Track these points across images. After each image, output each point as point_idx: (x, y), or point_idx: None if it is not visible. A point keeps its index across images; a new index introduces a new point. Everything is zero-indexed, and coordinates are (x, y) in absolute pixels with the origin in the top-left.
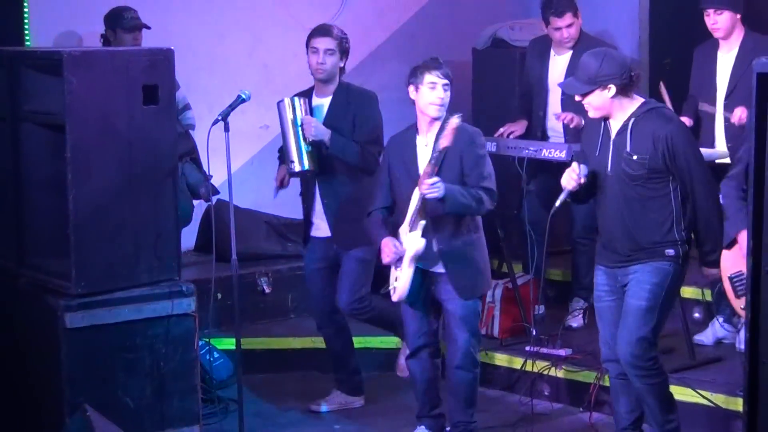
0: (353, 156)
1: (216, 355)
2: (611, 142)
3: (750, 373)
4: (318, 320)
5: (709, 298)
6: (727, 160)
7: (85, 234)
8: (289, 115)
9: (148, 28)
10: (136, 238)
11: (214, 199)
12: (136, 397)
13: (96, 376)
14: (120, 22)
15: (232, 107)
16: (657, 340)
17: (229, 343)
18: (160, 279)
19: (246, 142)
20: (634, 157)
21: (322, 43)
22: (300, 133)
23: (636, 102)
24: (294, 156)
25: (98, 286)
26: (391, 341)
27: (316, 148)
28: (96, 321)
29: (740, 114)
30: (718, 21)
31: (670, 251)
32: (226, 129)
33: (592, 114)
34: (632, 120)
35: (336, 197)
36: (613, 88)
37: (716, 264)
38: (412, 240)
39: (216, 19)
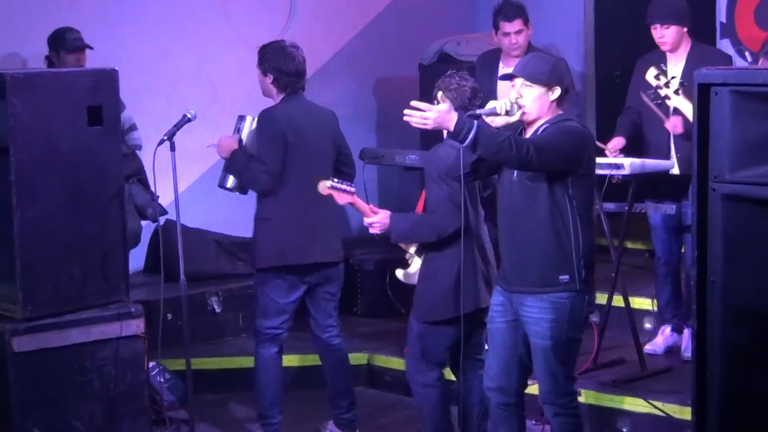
0: (238, 173)
1: (167, 376)
2: None
3: (697, 382)
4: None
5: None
6: (677, 171)
7: (31, 257)
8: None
9: (91, 48)
10: (84, 260)
11: (162, 219)
12: (86, 420)
13: (45, 400)
14: (63, 44)
15: (178, 127)
16: (573, 372)
17: (179, 364)
18: (109, 301)
19: (193, 161)
20: None
21: None
22: None
23: (558, 113)
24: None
25: (46, 310)
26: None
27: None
28: (44, 345)
29: (674, 122)
30: (665, 35)
31: (565, 277)
32: (172, 149)
33: (527, 116)
34: (545, 126)
35: (316, 217)
36: (557, 92)
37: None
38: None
39: (161, 38)
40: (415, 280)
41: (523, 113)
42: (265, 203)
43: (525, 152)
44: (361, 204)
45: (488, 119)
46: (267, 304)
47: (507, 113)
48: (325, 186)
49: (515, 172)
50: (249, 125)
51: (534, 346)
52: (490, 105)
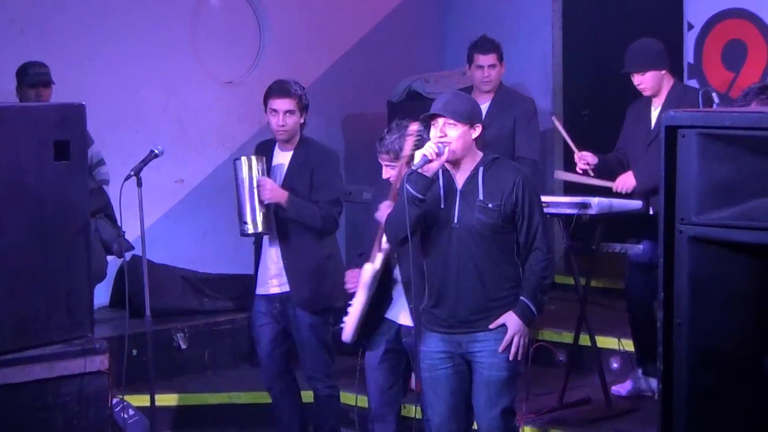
0: (311, 218)
1: (131, 412)
2: (457, 193)
3: (663, 424)
4: (266, 381)
5: (627, 347)
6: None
7: None
8: (245, 175)
9: (52, 83)
10: (48, 296)
11: (128, 254)
12: None
13: None
14: (23, 77)
15: (145, 162)
16: (515, 407)
17: (144, 400)
18: (73, 336)
19: (160, 196)
20: (489, 205)
21: (282, 104)
22: (255, 194)
23: (480, 153)
24: (247, 217)
25: (9, 345)
26: None
27: (270, 210)
28: (7, 380)
29: (623, 182)
30: (643, 81)
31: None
32: (139, 184)
33: (453, 155)
34: (480, 168)
35: (297, 257)
36: (479, 129)
37: (527, 318)
38: (365, 270)
39: (130, 73)
40: (353, 320)
41: (450, 152)
42: (329, 240)
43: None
44: None
45: (423, 168)
46: None
47: (437, 155)
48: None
49: (455, 217)
50: (262, 165)
51: (486, 381)
52: (418, 155)
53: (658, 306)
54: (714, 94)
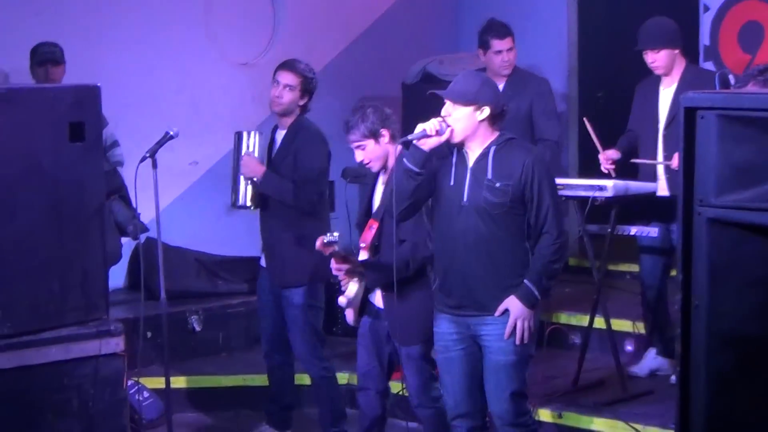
0: (282, 195)
1: (146, 394)
2: (468, 171)
3: (681, 407)
4: (264, 348)
5: (641, 330)
6: (666, 192)
7: (10, 274)
8: (236, 150)
9: (63, 62)
10: (63, 278)
11: (143, 236)
12: None
13: (23, 418)
14: (34, 56)
15: (160, 144)
16: (527, 390)
17: (158, 382)
18: (88, 318)
19: (175, 179)
20: (497, 185)
21: (284, 77)
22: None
23: (496, 133)
24: (232, 190)
25: (24, 327)
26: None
27: (254, 185)
28: (23, 362)
29: (676, 161)
30: (656, 59)
31: None
32: (154, 166)
33: (455, 135)
34: (493, 148)
35: (273, 235)
36: (486, 111)
37: (530, 303)
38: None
39: (145, 54)
40: (355, 304)
41: (451, 133)
42: (310, 221)
43: (563, 247)
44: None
45: (419, 142)
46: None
47: (438, 133)
48: (322, 243)
49: (465, 194)
50: (256, 141)
51: (495, 365)
52: (419, 128)
53: (675, 288)
54: (730, 76)
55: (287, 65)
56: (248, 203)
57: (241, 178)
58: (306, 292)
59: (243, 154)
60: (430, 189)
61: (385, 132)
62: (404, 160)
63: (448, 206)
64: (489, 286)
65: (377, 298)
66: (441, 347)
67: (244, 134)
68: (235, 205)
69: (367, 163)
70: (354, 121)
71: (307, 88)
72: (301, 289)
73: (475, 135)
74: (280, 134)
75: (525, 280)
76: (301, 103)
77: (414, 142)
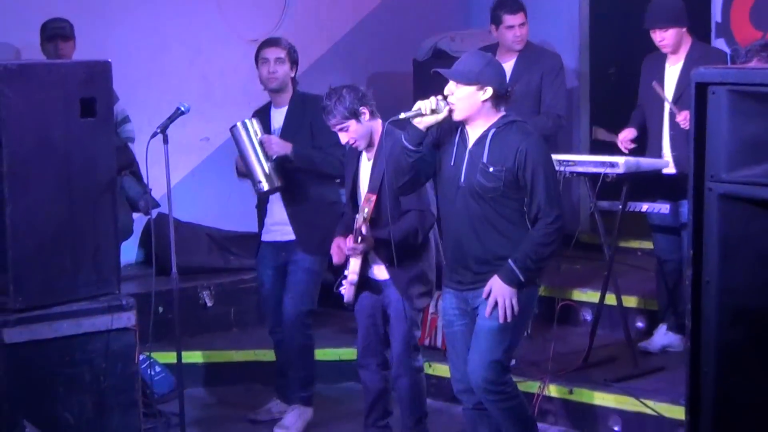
0: (319, 163)
1: (157, 369)
2: (467, 152)
3: (691, 382)
4: (270, 324)
5: (651, 306)
6: (673, 170)
7: (22, 249)
8: (245, 137)
9: (72, 38)
10: (75, 253)
11: (155, 212)
12: (76, 412)
13: (35, 391)
14: (43, 32)
15: (171, 120)
16: (509, 362)
17: (170, 357)
18: (100, 293)
19: (186, 154)
20: (490, 169)
21: (272, 52)
22: (260, 152)
23: (499, 114)
24: (260, 176)
25: (36, 301)
26: (335, 354)
27: (279, 164)
28: (34, 336)
29: (685, 115)
30: (665, 38)
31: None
32: (165, 142)
33: (456, 115)
34: (492, 131)
35: (301, 204)
36: (489, 92)
37: (511, 282)
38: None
39: (156, 30)
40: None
41: (452, 111)
42: (331, 187)
43: (557, 231)
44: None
45: (415, 120)
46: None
47: (433, 112)
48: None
49: (462, 175)
50: (258, 125)
51: (480, 329)
52: (416, 107)
53: (688, 264)
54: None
55: (269, 42)
56: (278, 184)
57: (259, 163)
58: (320, 260)
59: (261, 136)
60: (433, 163)
61: (364, 110)
62: (402, 137)
63: (448, 186)
64: (482, 262)
65: (379, 272)
66: (446, 322)
67: (248, 122)
68: (266, 191)
69: (353, 143)
70: (331, 105)
71: (294, 59)
72: (318, 257)
73: (477, 115)
74: (279, 112)
75: (509, 260)
76: (292, 74)
77: (411, 120)
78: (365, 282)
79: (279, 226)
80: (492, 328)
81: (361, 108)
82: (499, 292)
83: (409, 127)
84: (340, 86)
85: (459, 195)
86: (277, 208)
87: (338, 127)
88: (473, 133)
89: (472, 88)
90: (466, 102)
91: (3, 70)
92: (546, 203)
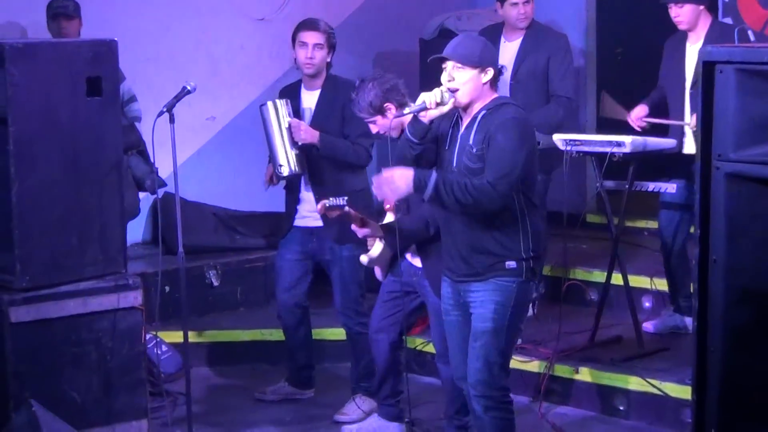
0: (345, 153)
1: (164, 348)
2: (459, 136)
3: (698, 361)
4: (279, 310)
5: (659, 286)
6: (693, 150)
7: (29, 227)
8: (273, 119)
9: (76, 17)
10: (81, 232)
11: (161, 191)
12: (82, 391)
13: (42, 370)
14: (48, 11)
15: (178, 99)
16: (507, 365)
17: (176, 337)
18: (106, 272)
19: (192, 134)
20: (474, 150)
21: (311, 37)
22: (286, 136)
23: (493, 96)
24: (282, 160)
25: (43, 280)
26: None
27: (304, 150)
28: (41, 315)
29: (694, 121)
30: (680, 14)
31: (511, 264)
32: (172, 121)
33: (461, 99)
34: (483, 113)
35: (329, 193)
36: (491, 73)
37: (418, 182)
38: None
39: (162, 10)
40: (381, 262)
41: (456, 98)
42: (360, 174)
43: (487, 196)
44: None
45: (420, 114)
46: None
47: (438, 104)
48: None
49: (454, 159)
50: (287, 108)
51: (474, 331)
52: (420, 100)
53: (694, 244)
54: (750, 32)
55: (309, 25)
56: (298, 169)
57: (283, 146)
58: (357, 246)
59: (290, 120)
60: (431, 161)
61: (390, 105)
62: (406, 130)
63: (445, 170)
64: (474, 252)
65: (413, 260)
66: (444, 310)
67: (278, 103)
68: (285, 175)
69: (384, 133)
70: (356, 101)
71: (332, 44)
72: (353, 243)
73: (476, 99)
74: (311, 94)
75: (436, 171)
76: (329, 59)
77: (415, 114)
78: (393, 264)
79: (312, 212)
80: (486, 330)
81: (386, 104)
82: (397, 175)
83: (413, 121)
84: (369, 77)
85: None
86: (307, 197)
87: (367, 120)
88: (467, 117)
89: (475, 71)
90: (470, 85)
91: (9, 49)
92: (494, 171)
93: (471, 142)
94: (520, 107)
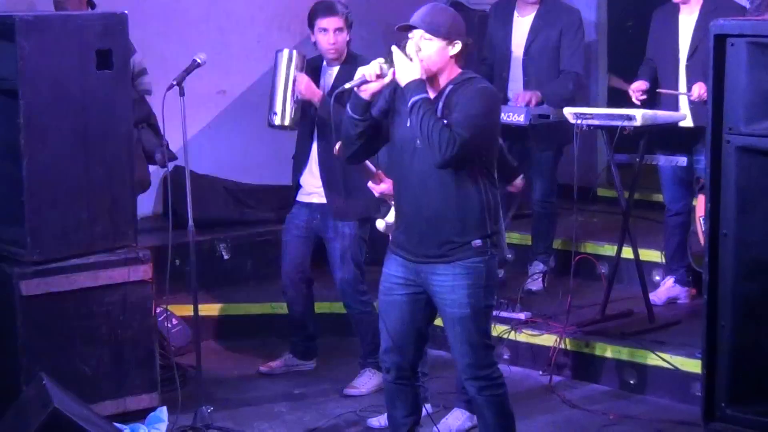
0: (338, 121)
1: (174, 321)
2: None
3: (708, 335)
4: (283, 283)
5: None
6: (690, 123)
7: (39, 201)
8: (284, 67)
9: None
10: (91, 205)
11: (171, 164)
12: (93, 364)
13: (52, 344)
14: None
15: (188, 72)
16: (490, 339)
17: (186, 310)
18: (116, 245)
19: (203, 107)
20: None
21: (331, 23)
22: (289, 87)
23: (458, 71)
24: (278, 108)
25: (53, 253)
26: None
27: (302, 108)
28: (51, 288)
29: (699, 91)
30: None
31: (477, 242)
32: (182, 94)
33: (424, 69)
34: (449, 87)
35: (333, 169)
36: (458, 46)
37: (411, 73)
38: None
39: None
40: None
41: (424, 67)
42: None
43: (446, 134)
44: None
45: (360, 88)
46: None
47: (379, 77)
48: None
49: (419, 138)
50: (297, 62)
51: (451, 318)
52: (359, 73)
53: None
54: (747, 2)
55: (327, 10)
56: (289, 123)
57: (283, 95)
58: (360, 225)
59: (297, 73)
60: (385, 131)
61: None
62: (347, 107)
63: (404, 149)
64: (443, 232)
65: None
66: (385, 288)
67: (294, 53)
68: (276, 124)
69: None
70: None
71: (350, 23)
72: (356, 222)
73: (441, 71)
74: (333, 70)
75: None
76: (348, 39)
77: (355, 89)
78: None
79: (317, 189)
80: (465, 315)
81: None
82: (408, 65)
83: (354, 97)
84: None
85: (416, 157)
86: (314, 172)
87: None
88: (431, 91)
89: (443, 43)
90: (435, 57)
91: (19, 22)
92: (457, 123)
93: (439, 115)
94: (484, 79)
